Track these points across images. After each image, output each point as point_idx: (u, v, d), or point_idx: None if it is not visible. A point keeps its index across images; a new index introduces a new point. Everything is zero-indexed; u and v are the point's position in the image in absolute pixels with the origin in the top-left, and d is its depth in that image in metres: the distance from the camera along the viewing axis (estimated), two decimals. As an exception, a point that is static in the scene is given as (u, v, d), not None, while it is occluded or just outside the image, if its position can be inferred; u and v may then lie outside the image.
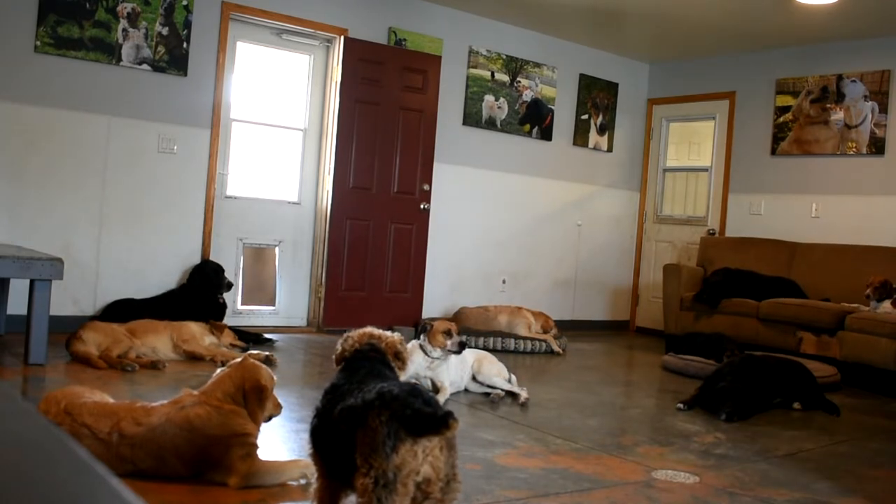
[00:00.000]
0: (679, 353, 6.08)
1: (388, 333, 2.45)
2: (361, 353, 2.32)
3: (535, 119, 8.00)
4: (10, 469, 0.57)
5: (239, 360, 2.84)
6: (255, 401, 2.72)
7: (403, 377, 2.52)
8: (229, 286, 6.01)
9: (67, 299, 5.57)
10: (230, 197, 6.44)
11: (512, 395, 4.52)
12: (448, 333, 4.34)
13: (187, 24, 6.01)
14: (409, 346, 4.38)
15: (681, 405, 4.58)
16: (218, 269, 5.99)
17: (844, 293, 6.49)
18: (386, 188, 6.88)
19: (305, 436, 2.32)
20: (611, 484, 3.03)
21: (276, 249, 6.73)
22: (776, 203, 7.75)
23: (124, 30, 5.77)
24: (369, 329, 2.44)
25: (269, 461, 2.72)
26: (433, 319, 4.76)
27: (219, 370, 2.85)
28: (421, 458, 1.87)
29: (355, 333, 2.41)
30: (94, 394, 2.84)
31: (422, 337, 4.42)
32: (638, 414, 4.61)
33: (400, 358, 2.41)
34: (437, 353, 4.34)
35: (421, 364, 4.34)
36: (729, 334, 6.24)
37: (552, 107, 8.12)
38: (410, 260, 7.04)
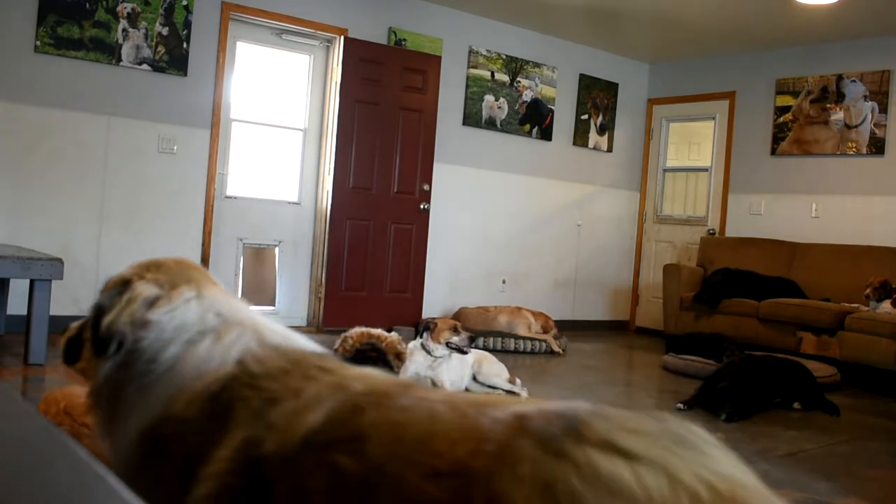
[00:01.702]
0: (679, 353, 6.08)
1: (387, 333, 2.46)
2: (362, 352, 2.32)
3: (535, 119, 8.00)
4: (10, 469, 0.57)
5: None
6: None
7: (403, 376, 2.52)
8: None
9: (67, 299, 5.57)
10: (230, 197, 6.44)
11: (513, 396, 4.52)
12: (454, 330, 4.34)
13: (187, 24, 6.01)
14: (411, 346, 4.38)
15: (681, 405, 4.58)
16: None
17: (844, 293, 6.49)
18: (386, 188, 6.89)
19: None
20: (611, 484, 3.03)
21: (276, 249, 6.73)
22: (776, 203, 7.75)
23: (124, 30, 5.77)
24: (366, 329, 2.44)
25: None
26: (434, 319, 4.76)
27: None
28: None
29: (353, 333, 2.42)
30: (94, 394, 2.84)
31: (424, 336, 4.41)
32: (638, 414, 4.61)
33: (400, 358, 2.41)
34: (440, 351, 4.34)
35: (422, 364, 4.34)
36: (729, 334, 6.24)
37: (552, 107, 8.12)
38: (410, 260, 7.04)
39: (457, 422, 0.79)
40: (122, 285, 1.15)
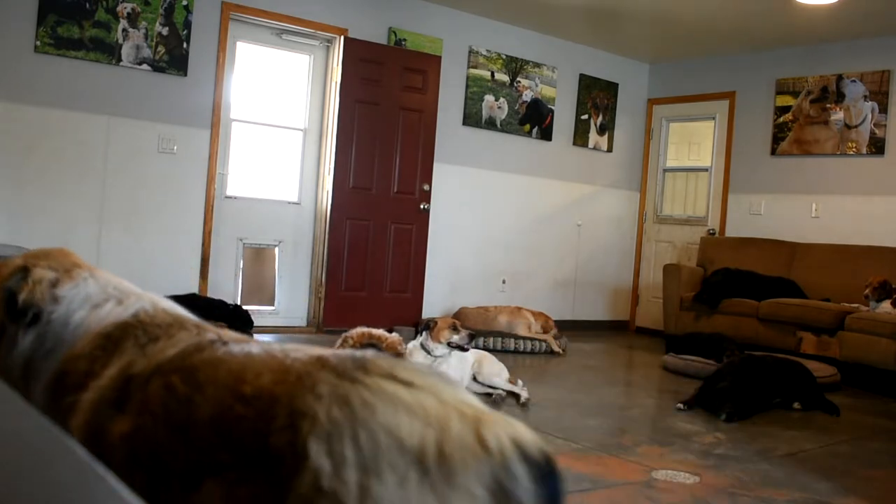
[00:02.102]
0: (679, 353, 6.08)
1: (388, 334, 2.45)
2: (361, 353, 2.32)
3: (535, 119, 8.00)
4: (10, 469, 0.57)
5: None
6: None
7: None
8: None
9: (67, 299, 5.56)
10: (230, 197, 6.44)
11: (513, 396, 4.52)
12: (454, 328, 4.34)
13: (187, 24, 6.01)
14: (410, 345, 4.38)
15: (681, 405, 4.58)
16: (247, 321, 5.90)
17: (844, 293, 6.49)
18: (386, 188, 6.89)
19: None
20: (611, 484, 3.03)
21: (276, 249, 6.73)
22: (776, 203, 7.75)
23: (124, 30, 5.77)
24: (366, 329, 2.44)
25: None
26: (434, 318, 4.76)
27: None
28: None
29: (354, 333, 2.42)
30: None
31: (423, 335, 4.41)
32: (638, 414, 4.61)
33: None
34: (440, 350, 4.33)
35: (421, 364, 4.34)
36: (729, 334, 6.24)
37: (552, 107, 8.12)
38: (410, 260, 7.04)
39: (265, 360, 1.03)
40: (22, 271, 1.37)
